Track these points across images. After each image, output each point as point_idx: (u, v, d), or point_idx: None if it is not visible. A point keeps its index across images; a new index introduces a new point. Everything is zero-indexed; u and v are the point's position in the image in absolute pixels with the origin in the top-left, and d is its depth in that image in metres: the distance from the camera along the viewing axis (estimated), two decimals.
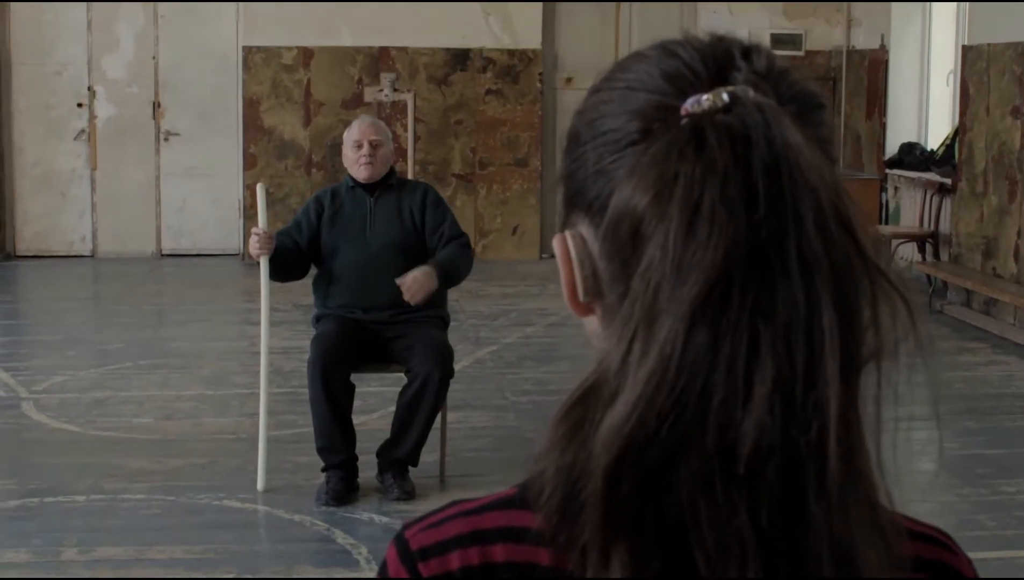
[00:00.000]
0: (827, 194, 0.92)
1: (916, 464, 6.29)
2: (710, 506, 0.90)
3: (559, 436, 0.96)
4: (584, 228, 1.03)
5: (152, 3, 13.20)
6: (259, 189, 6.39)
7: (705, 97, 0.96)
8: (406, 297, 5.98)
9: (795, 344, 0.90)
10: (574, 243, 1.03)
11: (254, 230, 6.11)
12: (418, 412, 6.03)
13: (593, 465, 0.92)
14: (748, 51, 1.01)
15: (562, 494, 0.95)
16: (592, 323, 1.04)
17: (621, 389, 0.92)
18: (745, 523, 0.90)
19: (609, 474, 0.91)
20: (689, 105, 0.96)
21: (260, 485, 6.24)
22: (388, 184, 6.32)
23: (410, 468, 6.17)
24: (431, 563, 1.04)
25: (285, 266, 6.23)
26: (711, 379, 0.90)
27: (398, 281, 5.97)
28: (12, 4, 13.05)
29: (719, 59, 1.00)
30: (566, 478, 0.95)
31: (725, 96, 0.95)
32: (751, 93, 0.96)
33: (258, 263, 6.20)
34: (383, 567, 1.07)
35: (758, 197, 0.91)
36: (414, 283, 5.98)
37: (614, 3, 13.51)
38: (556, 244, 1.05)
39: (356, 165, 6.26)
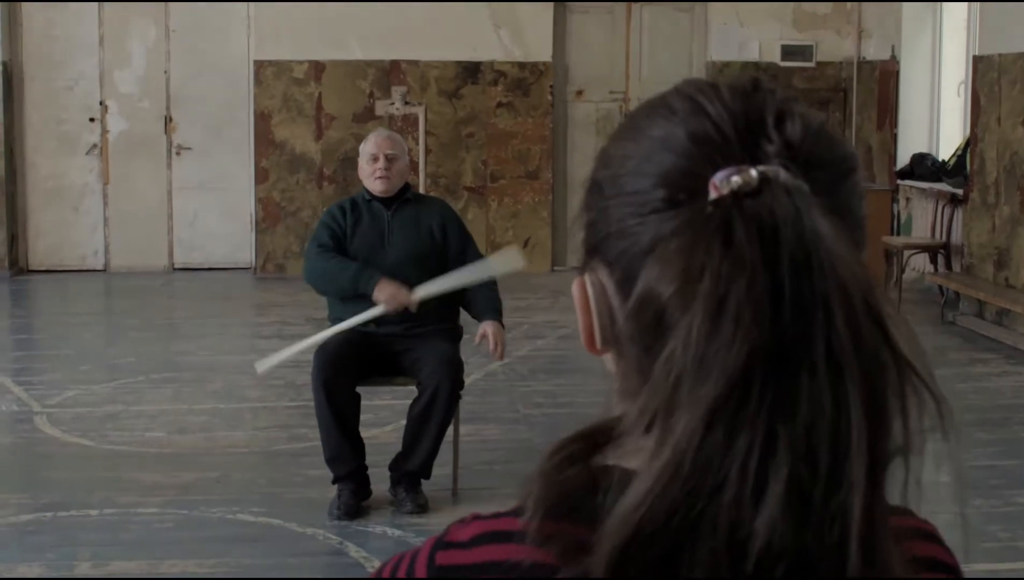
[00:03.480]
0: (857, 289, 0.92)
1: (927, 475, 6.26)
2: None
3: (552, 463, 0.98)
4: (604, 277, 1.03)
5: (164, 16, 13.22)
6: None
7: (735, 177, 0.94)
8: (498, 355, 6.16)
9: (818, 444, 0.90)
10: (594, 291, 1.04)
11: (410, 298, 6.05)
12: (429, 424, 6.02)
13: (599, 547, 0.91)
14: (782, 115, 0.99)
15: (549, 502, 0.96)
16: (608, 363, 1.06)
17: (638, 460, 0.93)
18: None
19: (614, 559, 0.90)
20: (718, 181, 0.95)
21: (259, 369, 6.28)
22: (405, 198, 6.34)
23: (423, 481, 6.16)
24: (451, 552, 1.04)
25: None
26: (723, 476, 0.89)
27: (486, 339, 6.12)
28: (24, 20, 13.09)
29: (751, 124, 0.99)
30: (557, 492, 0.96)
31: (755, 176, 0.94)
32: (782, 175, 0.95)
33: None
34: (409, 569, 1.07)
35: (784, 297, 0.90)
36: (497, 339, 6.13)
37: (624, 16, 13.51)
38: (575, 288, 1.06)
39: (372, 178, 6.27)
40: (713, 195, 0.95)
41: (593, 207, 1.04)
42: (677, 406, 0.90)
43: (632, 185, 1.00)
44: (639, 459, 0.94)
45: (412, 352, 6.11)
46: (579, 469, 0.97)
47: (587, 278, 1.05)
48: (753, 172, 0.94)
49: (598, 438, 0.97)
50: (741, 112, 0.99)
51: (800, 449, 0.89)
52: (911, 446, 0.94)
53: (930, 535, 1.12)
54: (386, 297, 5.99)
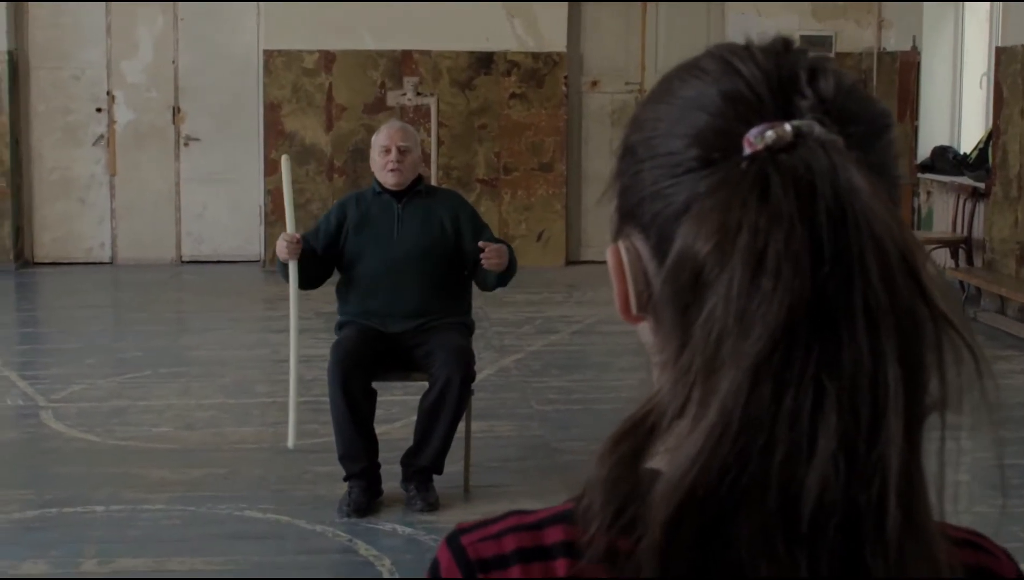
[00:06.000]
0: (893, 243, 0.91)
1: (949, 474, 6.13)
2: (771, 563, 0.90)
3: (607, 471, 0.95)
4: (639, 243, 1.03)
5: (172, 4, 13.13)
6: (284, 162, 6.37)
7: (769, 132, 0.94)
8: (491, 261, 6.00)
9: (860, 400, 0.89)
10: (628, 257, 1.03)
11: (283, 235, 6.04)
12: (440, 417, 5.99)
13: (651, 517, 0.91)
14: (815, 72, 0.99)
15: (612, 519, 0.94)
16: (644, 333, 1.05)
17: (679, 437, 0.91)
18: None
19: (668, 527, 0.90)
20: (752, 136, 0.95)
21: (291, 443, 6.20)
22: (416, 190, 6.27)
23: (434, 477, 6.10)
24: (492, 575, 1.02)
25: (309, 271, 6.20)
26: (773, 434, 0.89)
27: (483, 246, 6.01)
28: (31, 8, 12.99)
29: (784, 82, 0.98)
30: (616, 509, 0.94)
31: (789, 130, 0.94)
32: (816, 129, 0.94)
33: (284, 273, 6.10)
34: (434, 568, 1.05)
35: (823, 249, 0.90)
36: (495, 252, 6.02)
37: (640, 5, 13.39)
38: (610, 254, 1.05)
39: (384, 170, 6.23)
40: (747, 151, 0.95)
41: (626, 172, 1.04)
42: (720, 365, 0.90)
43: (665, 146, 1.00)
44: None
45: (424, 346, 6.09)
46: (631, 474, 0.94)
47: (621, 245, 1.04)
48: (787, 127, 0.94)
49: (644, 429, 0.95)
50: (774, 70, 0.99)
51: (845, 403, 0.89)
52: (948, 401, 0.93)
53: (973, 543, 1.10)
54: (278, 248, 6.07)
